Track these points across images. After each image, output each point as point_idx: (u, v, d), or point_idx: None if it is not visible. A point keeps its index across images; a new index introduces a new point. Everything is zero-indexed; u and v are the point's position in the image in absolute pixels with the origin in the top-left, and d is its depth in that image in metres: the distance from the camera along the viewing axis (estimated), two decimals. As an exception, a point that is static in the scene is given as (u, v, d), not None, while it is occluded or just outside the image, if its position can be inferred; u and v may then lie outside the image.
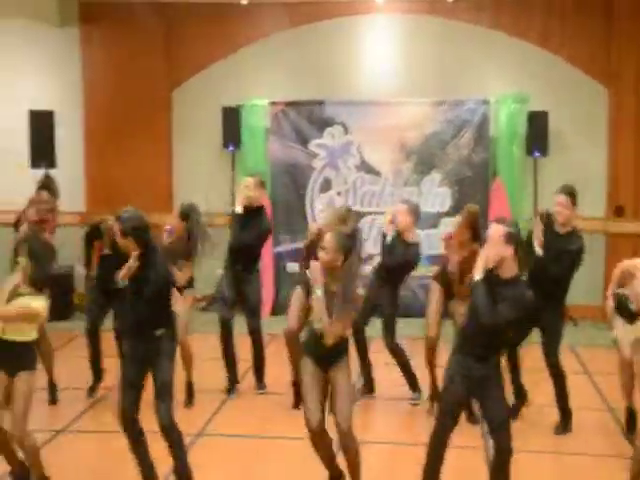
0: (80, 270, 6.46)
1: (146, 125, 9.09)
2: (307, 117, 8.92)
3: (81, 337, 6.42)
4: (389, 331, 5.93)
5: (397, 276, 5.99)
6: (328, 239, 4.19)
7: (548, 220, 5.33)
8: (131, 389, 4.33)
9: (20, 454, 4.44)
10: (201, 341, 6.77)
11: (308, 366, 4.28)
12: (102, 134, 9.17)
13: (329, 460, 4.38)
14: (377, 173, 8.93)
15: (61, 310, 8.08)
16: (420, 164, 8.86)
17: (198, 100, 9.12)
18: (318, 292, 4.15)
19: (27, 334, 4.31)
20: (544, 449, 5.29)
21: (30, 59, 9.23)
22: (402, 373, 6.03)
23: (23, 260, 4.28)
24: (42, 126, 8.68)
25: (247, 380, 6.39)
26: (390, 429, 5.77)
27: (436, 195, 8.78)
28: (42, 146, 8.70)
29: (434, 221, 8.65)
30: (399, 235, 5.89)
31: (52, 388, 5.94)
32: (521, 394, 5.72)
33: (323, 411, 4.27)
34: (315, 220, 8.85)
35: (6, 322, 4.25)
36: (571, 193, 5.32)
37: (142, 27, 8.94)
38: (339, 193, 9.00)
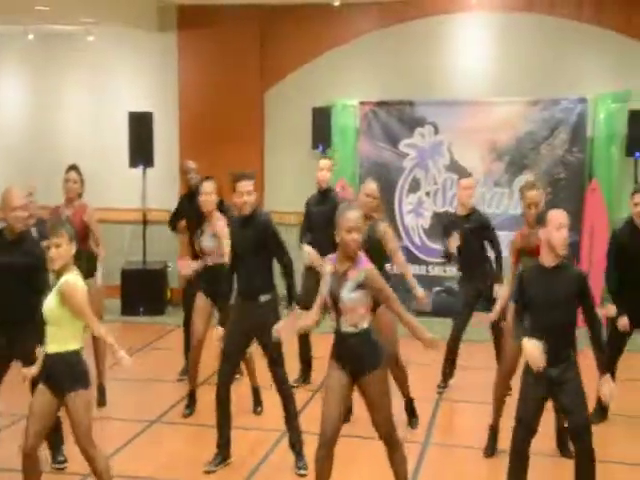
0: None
1: (239, 126, 9.25)
2: (397, 117, 8.90)
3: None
4: None
5: None
6: None
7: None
8: None
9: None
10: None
11: None
12: (196, 134, 9.40)
13: None
14: (467, 174, 8.77)
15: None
16: (512, 165, 8.66)
17: (289, 101, 9.23)
18: None
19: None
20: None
21: (131, 63, 9.62)
22: None
23: None
24: (141, 127, 8.98)
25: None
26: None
27: (528, 196, 8.57)
28: (141, 146, 9.00)
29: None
30: None
31: None
32: None
33: None
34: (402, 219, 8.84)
35: None
36: None
37: (236, 30, 9.11)
38: (428, 193, 8.92)
